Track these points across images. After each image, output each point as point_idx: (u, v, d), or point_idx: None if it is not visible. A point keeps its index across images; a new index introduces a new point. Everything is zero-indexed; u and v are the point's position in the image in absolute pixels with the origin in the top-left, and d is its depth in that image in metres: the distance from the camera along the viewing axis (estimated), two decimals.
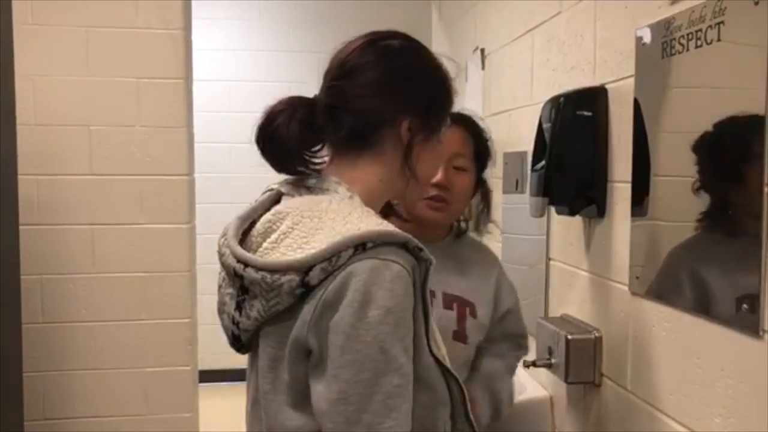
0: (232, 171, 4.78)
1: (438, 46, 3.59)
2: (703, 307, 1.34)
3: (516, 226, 2.35)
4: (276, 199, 1.08)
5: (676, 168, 1.44)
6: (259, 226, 1.03)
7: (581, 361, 1.77)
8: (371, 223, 0.97)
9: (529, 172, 1.92)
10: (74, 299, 2.19)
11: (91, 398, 2.20)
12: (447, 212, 1.51)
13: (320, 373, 0.95)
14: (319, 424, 0.96)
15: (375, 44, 1.08)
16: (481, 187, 1.59)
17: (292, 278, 0.94)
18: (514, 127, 2.48)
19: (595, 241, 1.83)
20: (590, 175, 1.77)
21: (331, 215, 0.98)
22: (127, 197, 2.20)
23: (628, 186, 1.62)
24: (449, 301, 1.50)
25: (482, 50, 2.88)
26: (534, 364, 1.90)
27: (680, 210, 1.43)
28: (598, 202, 1.77)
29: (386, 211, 1.53)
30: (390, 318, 0.92)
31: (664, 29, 1.46)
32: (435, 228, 1.54)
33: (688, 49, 1.38)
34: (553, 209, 1.95)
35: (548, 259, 2.16)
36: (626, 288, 1.64)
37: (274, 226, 1.01)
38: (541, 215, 1.90)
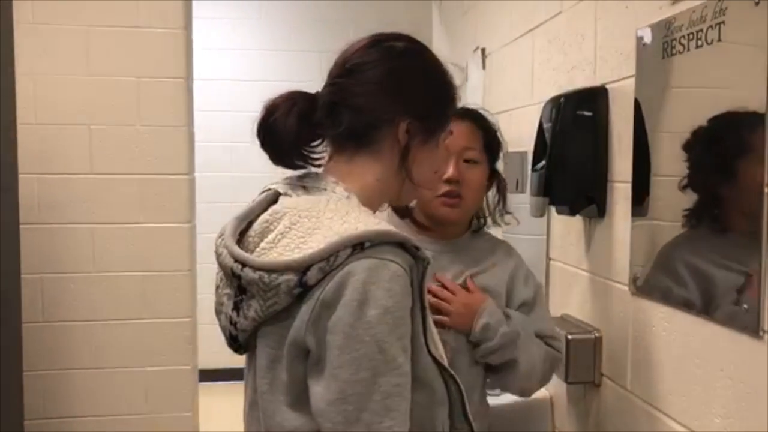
0: (232, 170, 4.79)
1: (438, 45, 3.59)
2: (703, 307, 1.34)
3: (516, 225, 2.34)
4: (273, 199, 1.08)
5: (677, 168, 1.44)
6: (257, 226, 1.03)
7: (581, 361, 1.78)
8: (369, 222, 0.97)
9: (529, 171, 1.92)
10: (74, 298, 2.19)
11: (91, 397, 2.21)
12: (461, 208, 1.49)
13: (319, 373, 0.95)
14: (317, 425, 0.96)
15: (379, 44, 1.08)
16: (495, 179, 1.57)
17: (290, 278, 0.94)
18: (514, 127, 2.47)
19: (595, 241, 1.83)
20: (591, 175, 1.77)
21: (329, 215, 0.98)
22: (128, 196, 2.20)
23: (629, 186, 1.62)
24: None
25: (483, 50, 2.88)
26: None
27: (680, 210, 1.43)
28: (599, 202, 1.77)
29: (403, 214, 1.54)
30: (388, 317, 0.92)
31: (664, 29, 1.46)
32: (452, 226, 1.52)
33: (688, 50, 1.38)
34: (553, 209, 1.95)
35: (548, 258, 2.16)
36: (626, 288, 1.64)
37: (272, 226, 1.01)
38: (542, 215, 1.90)
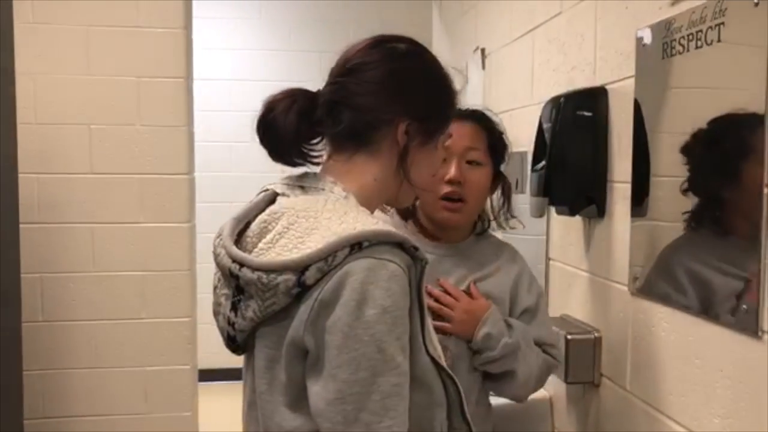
0: (232, 170, 4.79)
1: (438, 45, 3.59)
2: (703, 307, 1.34)
3: (521, 229, 2.34)
4: (271, 199, 1.08)
5: (676, 169, 1.44)
6: (255, 226, 1.04)
7: (581, 361, 1.78)
8: (367, 222, 0.97)
9: (529, 172, 1.92)
10: (74, 298, 2.19)
11: (90, 397, 2.21)
12: (463, 212, 1.47)
13: (317, 373, 0.95)
14: (316, 424, 0.96)
15: (381, 45, 1.09)
16: (500, 181, 1.55)
17: (289, 278, 0.94)
18: (514, 127, 2.47)
19: (594, 241, 1.83)
20: (590, 176, 1.77)
21: (327, 215, 0.98)
22: (128, 196, 2.20)
23: (628, 186, 1.63)
24: None
25: (483, 50, 2.88)
26: None
27: (680, 211, 1.43)
28: (598, 203, 1.77)
29: (406, 216, 1.53)
30: (387, 317, 0.93)
31: (664, 30, 1.46)
32: (454, 229, 1.51)
33: (688, 50, 1.38)
34: (553, 209, 1.95)
35: (548, 259, 2.16)
36: (626, 288, 1.64)
37: (270, 227, 1.01)
38: (541, 215, 1.91)
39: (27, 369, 1.89)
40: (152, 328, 2.23)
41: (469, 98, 2.95)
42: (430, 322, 1.04)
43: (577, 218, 1.89)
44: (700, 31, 1.33)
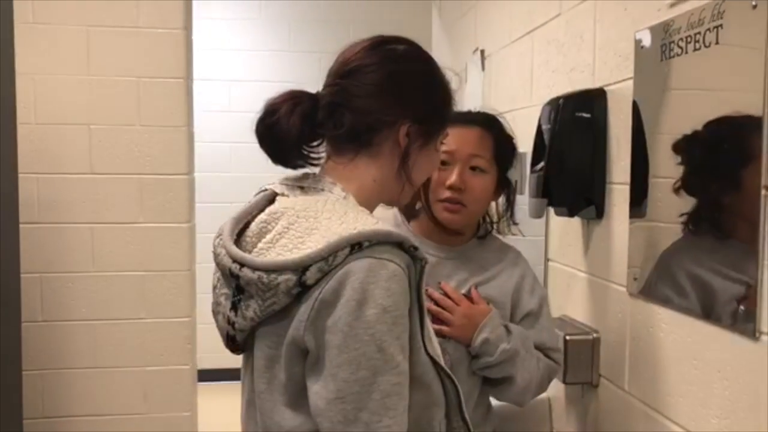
0: (232, 170, 4.79)
1: (438, 47, 3.59)
2: (701, 308, 1.35)
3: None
4: (270, 199, 1.09)
5: (675, 170, 1.44)
6: (254, 226, 1.04)
7: (579, 361, 1.78)
8: (367, 222, 0.98)
9: (528, 173, 1.92)
10: (74, 298, 2.19)
11: (90, 397, 2.21)
12: (463, 215, 1.46)
13: (318, 373, 0.95)
14: (315, 424, 0.97)
15: (380, 47, 1.09)
16: (504, 187, 1.53)
17: (289, 278, 0.94)
18: (513, 129, 2.48)
19: (593, 242, 1.83)
20: (589, 177, 1.77)
21: (327, 215, 0.99)
22: (127, 196, 2.20)
23: (627, 188, 1.63)
24: None
25: (482, 51, 2.88)
26: None
27: (678, 212, 1.43)
28: (597, 204, 1.77)
29: (409, 217, 1.53)
30: (387, 317, 0.93)
31: (663, 32, 1.46)
32: (456, 231, 1.50)
33: (686, 52, 1.38)
34: (552, 210, 1.96)
35: (547, 260, 2.16)
36: (624, 289, 1.65)
37: (269, 227, 1.02)
38: (540, 216, 1.91)
39: (26, 369, 1.89)
40: (152, 328, 2.23)
41: (469, 99, 2.95)
42: (429, 321, 1.04)
43: (576, 219, 1.89)
44: (699, 33, 1.33)
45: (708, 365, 1.33)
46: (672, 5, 1.45)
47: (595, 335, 1.79)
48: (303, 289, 0.95)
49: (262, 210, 1.06)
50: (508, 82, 2.58)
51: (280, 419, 1.00)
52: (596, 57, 1.82)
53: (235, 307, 1.02)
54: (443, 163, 1.45)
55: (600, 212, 1.77)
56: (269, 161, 1.08)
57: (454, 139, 1.44)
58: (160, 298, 2.23)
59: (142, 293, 2.22)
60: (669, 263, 1.47)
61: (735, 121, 1.27)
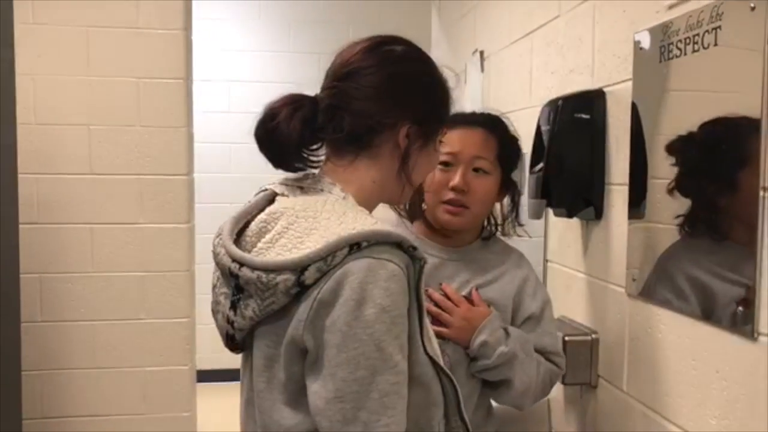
0: (231, 171, 4.79)
1: (437, 47, 3.59)
2: (699, 309, 1.35)
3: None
4: (270, 199, 1.09)
5: (673, 171, 1.44)
6: (254, 226, 1.04)
7: (578, 362, 1.78)
8: (366, 222, 0.98)
9: (527, 174, 1.92)
10: (73, 298, 2.19)
11: (89, 397, 2.21)
12: (466, 216, 1.46)
13: (316, 372, 0.96)
14: (313, 423, 0.97)
15: (378, 48, 1.09)
16: (508, 188, 1.53)
17: (288, 277, 0.95)
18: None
19: (592, 243, 1.84)
20: (588, 178, 1.77)
21: (326, 215, 0.99)
22: (127, 197, 2.20)
23: (626, 189, 1.63)
24: None
25: (481, 52, 2.89)
26: None
27: (676, 214, 1.44)
28: (596, 205, 1.77)
29: (412, 218, 1.53)
30: (385, 316, 0.93)
31: (661, 33, 1.47)
32: (459, 233, 1.50)
33: (685, 53, 1.38)
34: (551, 211, 1.96)
35: (546, 261, 2.17)
36: (623, 290, 1.65)
37: (269, 226, 1.02)
38: (539, 217, 1.91)
39: (26, 369, 1.89)
40: (151, 329, 2.23)
41: (468, 101, 2.96)
42: (428, 321, 1.04)
43: (575, 220, 1.89)
44: (698, 34, 1.34)
45: (706, 366, 1.34)
46: (671, 7, 1.45)
47: (593, 336, 1.79)
48: (302, 289, 0.95)
49: (262, 210, 1.06)
50: (508, 83, 2.59)
51: (279, 418, 1.01)
52: (595, 58, 1.82)
53: (234, 306, 1.02)
54: (446, 164, 1.45)
55: (599, 213, 1.77)
56: (268, 162, 1.08)
57: (457, 141, 1.45)
58: (159, 298, 2.23)
59: (142, 294, 2.22)
60: (667, 265, 1.47)
61: (730, 122, 1.27)
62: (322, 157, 1.10)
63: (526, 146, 1.96)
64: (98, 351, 2.21)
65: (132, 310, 2.22)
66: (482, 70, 2.88)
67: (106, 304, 2.21)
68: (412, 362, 0.99)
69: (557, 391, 2.03)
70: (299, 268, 0.94)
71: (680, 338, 1.42)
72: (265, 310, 0.98)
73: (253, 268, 0.97)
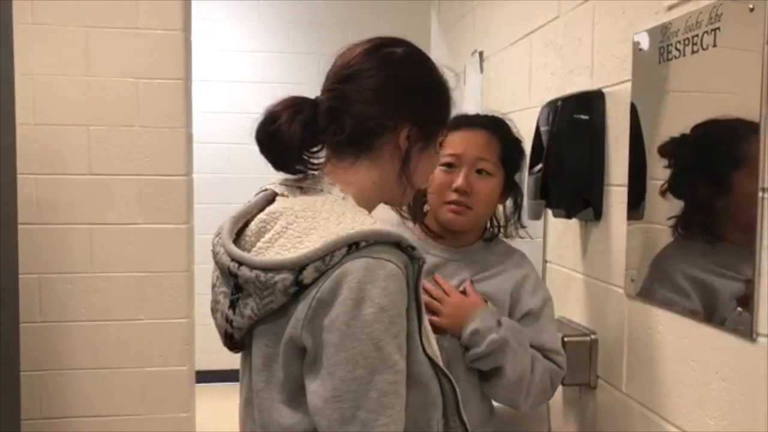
0: (230, 171, 4.79)
1: (437, 49, 3.60)
2: (698, 310, 1.35)
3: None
4: (270, 199, 1.09)
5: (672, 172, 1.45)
6: (254, 225, 1.05)
7: (577, 363, 1.78)
8: (365, 222, 0.98)
9: (526, 175, 1.92)
10: (72, 299, 2.19)
11: (88, 397, 2.21)
12: (468, 217, 1.46)
13: (315, 371, 0.96)
14: (312, 422, 0.97)
15: (378, 50, 1.09)
16: (511, 190, 1.53)
17: (286, 277, 0.95)
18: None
19: (591, 244, 1.84)
20: (587, 179, 1.77)
21: (325, 215, 0.99)
22: (126, 197, 2.20)
23: (625, 189, 1.63)
24: None
25: (481, 53, 2.89)
26: None
27: (674, 215, 1.44)
28: (595, 206, 1.77)
29: (415, 218, 1.53)
30: (384, 316, 0.93)
31: (660, 34, 1.47)
32: (461, 233, 1.50)
33: (684, 54, 1.39)
34: (549, 212, 1.96)
35: (545, 261, 2.17)
36: (622, 291, 1.65)
37: (268, 226, 1.02)
38: (538, 218, 1.91)
39: (25, 370, 1.89)
40: (150, 329, 2.23)
41: (467, 101, 2.96)
42: (427, 321, 1.05)
43: (574, 221, 1.90)
44: (696, 35, 1.34)
45: (705, 366, 1.34)
46: (670, 8, 1.45)
47: (592, 337, 1.80)
48: (300, 289, 0.96)
49: (261, 209, 1.07)
50: (507, 84, 2.59)
51: (278, 417, 1.01)
52: (594, 59, 1.83)
53: (233, 305, 1.02)
54: (450, 165, 1.46)
55: (598, 214, 1.77)
56: (268, 163, 1.09)
57: (460, 142, 1.46)
58: (158, 299, 2.23)
59: (141, 294, 2.22)
60: (666, 266, 1.47)
61: (724, 123, 1.27)
62: (323, 159, 1.10)
63: (526, 147, 1.96)
64: (97, 351, 2.21)
65: (131, 311, 2.22)
66: (481, 71, 2.88)
67: (105, 305, 2.20)
68: (411, 362, 0.99)
69: (556, 392, 2.03)
70: (297, 267, 0.94)
71: (679, 339, 1.42)
72: (264, 309, 0.98)
73: (252, 267, 0.98)
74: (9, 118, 1.71)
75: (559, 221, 1.99)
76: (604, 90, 1.76)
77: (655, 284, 1.51)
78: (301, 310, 0.96)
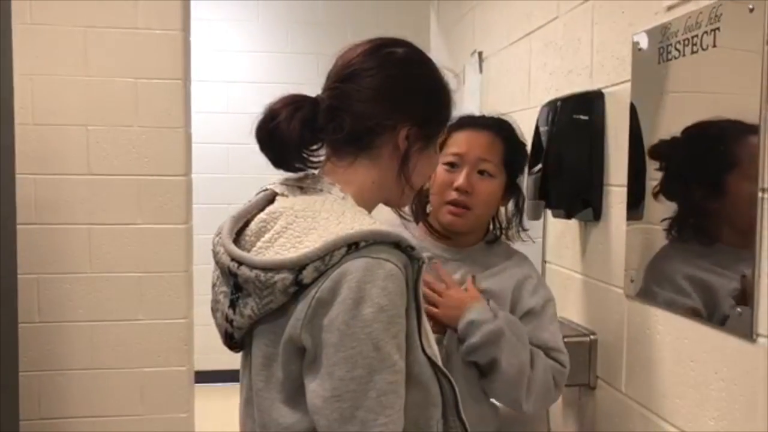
0: (229, 171, 4.79)
1: (436, 49, 3.59)
2: (698, 310, 1.35)
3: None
4: (270, 199, 1.09)
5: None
6: (254, 225, 1.05)
7: (576, 363, 1.77)
8: (364, 222, 0.98)
9: (525, 175, 1.92)
10: (71, 299, 2.19)
11: (87, 398, 2.21)
12: (468, 218, 1.47)
13: (315, 371, 0.96)
14: (311, 422, 0.97)
15: (379, 50, 1.09)
16: (513, 193, 1.54)
17: (286, 276, 0.95)
18: None
19: (590, 244, 1.84)
20: (586, 179, 1.78)
21: (325, 215, 0.99)
22: (125, 197, 2.20)
23: (624, 190, 1.63)
24: None
25: (480, 54, 2.89)
26: None
27: (672, 216, 1.44)
28: (594, 206, 1.78)
29: (417, 218, 1.53)
30: (383, 316, 0.93)
31: (660, 35, 1.47)
32: (462, 234, 1.50)
33: (684, 55, 1.39)
34: (549, 212, 1.96)
35: (544, 262, 2.17)
36: (621, 291, 1.65)
37: (268, 226, 1.02)
38: (538, 218, 1.91)
39: (23, 370, 1.89)
40: (149, 330, 2.23)
41: (467, 102, 2.96)
42: (426, 321, 1.05)
43: (574, 221, 1.90)
44: (696, 36, 1.34)
45: (705, 367, 1.34)
46: (669, 8, 1.45)
47: (592, 337, 1.80)
48: (300, 288, 0.96)
49: (262, 209, 1.07)
50: (506, 84, 2.59)
51: (277, 416, 1.01)
52: (594, 59, 1.83)
53: (233, 304, 1.02)
54: (452, 165, 1.46)
55: (597, 214, 1.78)
56: (266, 163, 1.09)
57: (464, 142, 1.46)
58: (157, 299, 2.23)
59: (140, 294, 2.22)
60: (666, 266, 1.47)
61: (720, 124, 1.27)
62: (323, 158, 1.11)
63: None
64: (96, 352, 2.20)
65: (130, 311, 2.22)
66: (481, 71, 2.88)
67: (103, 305, 2.20)
68: (411, 362, 0.99)
69: None
70: (297, 267, 0.94)
71: (679, 339, 1.42)
72: (264, 308, 0.98)
73: (252, 266, 0.98)
74: (8, 118, 1.71)
75: (558, 221, 1.99)
76: (603, 90, 1.76)
77: (654, 285, 1.51)
78: (301, 309, 0.96)
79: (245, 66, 4.94)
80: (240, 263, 0.99)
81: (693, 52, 1.35)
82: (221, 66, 4.88)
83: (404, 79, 1.09)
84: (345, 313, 0.93)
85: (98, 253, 2.19)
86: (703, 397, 1.34)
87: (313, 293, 0.95)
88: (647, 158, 1.51)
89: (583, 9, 1.89)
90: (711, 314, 1.31)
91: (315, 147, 1.09)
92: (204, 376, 3.65)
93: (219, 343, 1.10)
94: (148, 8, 2.18)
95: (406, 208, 1.47)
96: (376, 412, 0.93)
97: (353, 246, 0.95)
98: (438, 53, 3.51)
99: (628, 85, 1.62)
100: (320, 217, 0.99)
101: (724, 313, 1.26)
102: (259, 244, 1.02)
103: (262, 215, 1.05)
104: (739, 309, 1.22)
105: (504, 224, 1.57)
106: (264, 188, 1.13)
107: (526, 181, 1.91)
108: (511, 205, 1.56)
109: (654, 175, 1.51)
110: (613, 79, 1.71)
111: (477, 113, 1.62)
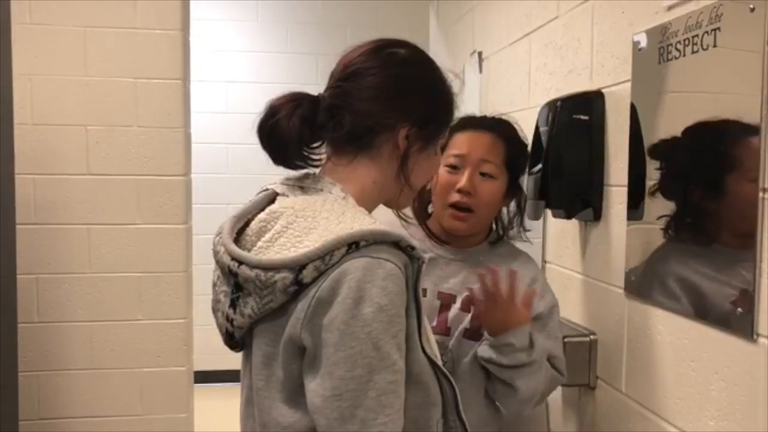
0: (229, 171, 4.79)
1: (436, 49, 3.59)
2: (698, 310, 1.35)
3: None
4: (271, 198, 1.10)
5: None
6: (254, 225, 1.05)
7: (576, 363, 1.78)
8: (364, 222, 0.99)
9: (525, 175, 1.92)
10: (70, 299, 2.19)
11: (86, 398, 2.20)
12: (471, 221, 1.47)
13: (314, 370, 0.96)
14: (311, 421, 0.97)
15: (382, 51, 1.10)
16: (514, 194, 1.53)
17: (286, 276, 0.95)
18: None
19: (591, 244, 1.84)
20: (587, 179, 1.77)
21: (325, 215, 0.99)
22: (124, 197, 2.20)
23: (624, 190, 1.63)
24: (467, 303, 1.47)
25: (480, 54, 2.89)
26: None
27: (672, 216, 1.44)
28: (594, 206, 1.77)
29: (420, 218, 1.52)
30: (383, 315, 0.94)
31: (660, 35, 1.47)
32: (464, 236, 1.50)
33: (684, 55, 1.38)
34: (549, 212, 1.96)
35: (544, 262, 2.17)
36: (622, 291, 1.65)
37: (269, 226, 1.02)
38: (538, 218, 1.91)
39: (23, 370, 1.89)
40: (148, 330, 2.23)
41: (467, 102, 2.95)
42: (426, 321, 1.05)
43: (574, 221, 1.89)
44: (696, 36, 1.34)
45: (705, 367, 1.34)
46: (670, 8, 1.45)
47: (592, 337, 1.79)
48: (300, 288, 0.96)
49: (262, 209, 1.07)
50: (506, 84, 2.58)
51: (277, 416, 1.01)
52: (594, 59, 1.82)
53: (233, 304, 1.02)
54: (454, 167, 1.46)
55: (597, 214, 1.77)
56: (266, 162, 1.09)
57: (465, 143, 1.47)
58: (156, 299, 2.23)
59: (139, 295, 2.22)
60: (665, 266, 1.47)
61: (724, 124, 1.27)
62: (323, 156, 1.11)
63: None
64: (95, 352, 2.20)
65: (129, 311, 2.22)
66: (480, 71, 2.88)
67: (103, 305, 2.20)
68: (411, 362, 0.99)
69: (555, 392, 2.03)
70: (297, 266, 0.95)
71: (679, 339, 1.42)
72: (264, 308, 0.98)
73: (252, 266, 0.98)
74: (7, 118, 1.70)
75: (558, 221, 1.99)
76: (603, 90, 1.76)
77: (654, 284, 1.51)
78: (301, 309, 0.96)
79: (245, 66, 4.94)
80: (240, 263, 0.99)
81: (693, 52, 1.35)
82: (221, 66, 4.88)
83: (405, 79, 1.09)
84: (345, 313, 0.93)
85: (98, 253, 2.19)
86: (704, 398, 1.34)
87: (313, 293, 0.95)
88: (647, 158, 1.51)
89: (583, 9, 1.89)
90: (711, 314, 1.30)
91: (315, 145, 1.09)
92: (204, 376, 3.66)
93: (219, 343, 1.10)
94: (147, 8, 2.17)
95: (408, 210, 1.47)
96: (375, 411, 0.93)
97: (353, 245, 0.95)
98: (437, 53, 3.51)
99: (628, 85, 1.62)
100: (320, 216, 0.99)
101: (724, 313, 1.26)
102: (259, 243, 1.02)
103: (262, 215, 1.05)
104: (739, 309, 1.22)
105: (504, 225, 1.57)
106: (264, 188, 1.13)
107: (526, 181, 1.91)
108: (512, 205, 1.56)
109: (654, 175, 1.51)
110: (613, 79, 1.71)
111: (477, 113, 1.62)
